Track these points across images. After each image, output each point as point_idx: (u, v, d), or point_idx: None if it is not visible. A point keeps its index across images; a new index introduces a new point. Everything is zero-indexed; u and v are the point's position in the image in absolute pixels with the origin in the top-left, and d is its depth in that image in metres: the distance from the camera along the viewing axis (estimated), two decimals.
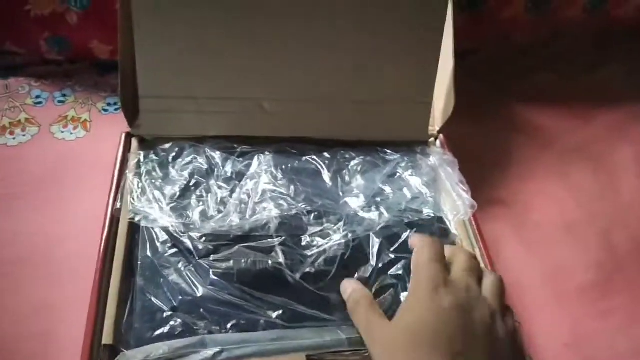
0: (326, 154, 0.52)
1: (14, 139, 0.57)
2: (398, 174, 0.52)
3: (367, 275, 0.44)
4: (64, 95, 0.63)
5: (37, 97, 0.62)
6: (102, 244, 0.43)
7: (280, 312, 0.40)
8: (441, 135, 0.56)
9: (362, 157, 0.53)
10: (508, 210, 0.58)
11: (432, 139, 0.57)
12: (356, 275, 0.44)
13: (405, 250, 0.45)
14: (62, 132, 0.59)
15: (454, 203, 0.49)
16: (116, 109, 0.62)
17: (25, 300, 0.45)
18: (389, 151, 0.54)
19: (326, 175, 0.51)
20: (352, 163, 0.52)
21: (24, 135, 0.58)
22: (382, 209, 0.48)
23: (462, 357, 0.32)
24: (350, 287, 0.41)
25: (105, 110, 0.62)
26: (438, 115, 0.56)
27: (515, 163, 0.63)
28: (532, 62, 0.76)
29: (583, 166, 0.64)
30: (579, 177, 0.63)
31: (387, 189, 0.50)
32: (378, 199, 0.49)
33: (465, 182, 0.49)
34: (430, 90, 0.54)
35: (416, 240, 0.40)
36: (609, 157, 0.65)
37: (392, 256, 0.45)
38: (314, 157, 0.52)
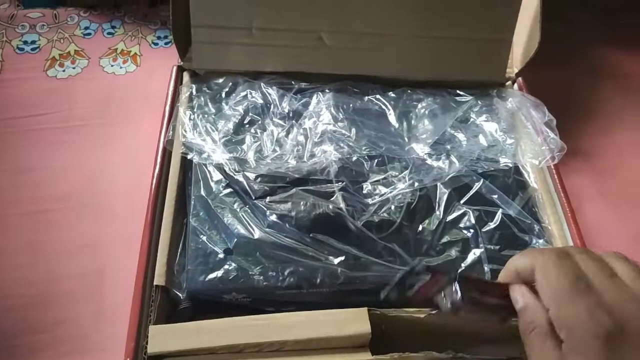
0: (391, 94, 0.48)
1: (63, 71, 0.56)
2: (471, 119, 0.47)
3: (434, 228, 0.40)
4: (113, 27, 0.60)
5: (86, 28, 0.60)
6: (154, 179, 0.41)
7: (342, 258, 0.37)
8: (519, 79, 0.50)
9: (430, 98, 0.48)
10: (591, 163, 0.52)
11: (508, 82, 0.51)
12: (421, 226, 0.40)
13: (476, 202, 0.41)
14: (112, 65, 0.57)
15: (538, 148, 0.43)
16: (166, 43, 0.59)
17: (74, 237, 0.44)
18: (461, 92, 0.48)
19: (391, 117, 0.46)
20: (420, 105, 0.47)
21: (73, 68, 0.56)
22: (453, 158, 0.43)
23: None
24: (521, 299, 0.27)
25: (155, 44, 0.59)
26: (517, 56, 0.50)
27: (600, 112, 0.57)
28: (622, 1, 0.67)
29: None
30: None
31: (460, 136, 0.45)
32: (448, 146, 0.44)
33: (554, 123, 0.43)
34: (511, 26, 0.48)
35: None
36: None
37: (463, 208, 0.41)
38: (378, 96, 0.47)
